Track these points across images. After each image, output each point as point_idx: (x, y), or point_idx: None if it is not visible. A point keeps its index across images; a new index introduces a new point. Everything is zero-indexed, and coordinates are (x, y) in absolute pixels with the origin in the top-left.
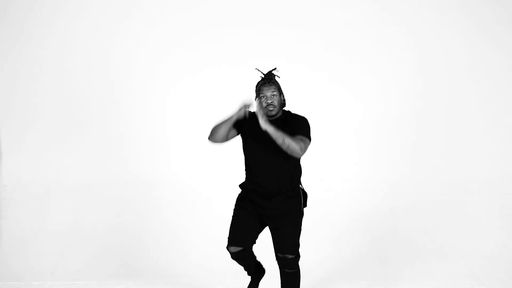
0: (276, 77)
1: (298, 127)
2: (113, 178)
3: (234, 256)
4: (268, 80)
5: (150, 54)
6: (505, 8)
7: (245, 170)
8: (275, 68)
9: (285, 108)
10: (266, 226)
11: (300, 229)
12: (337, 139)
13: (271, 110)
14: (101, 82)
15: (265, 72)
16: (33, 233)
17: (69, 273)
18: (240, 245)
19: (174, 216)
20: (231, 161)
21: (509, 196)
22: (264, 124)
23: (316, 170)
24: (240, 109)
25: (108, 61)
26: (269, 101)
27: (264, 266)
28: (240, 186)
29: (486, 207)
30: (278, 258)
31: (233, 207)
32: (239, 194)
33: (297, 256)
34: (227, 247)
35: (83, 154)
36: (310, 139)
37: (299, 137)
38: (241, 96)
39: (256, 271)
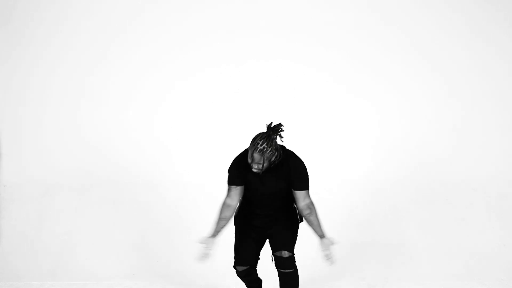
0: (277, 136)
1: (298, 177)
2: (113, 178)
3: (241, 274)
4: (260, 148)
5: (151, 55)
6: (497, 7)
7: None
8: (281, 126)
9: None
10: (266, 240)
11: (296, 233)
12: (337, 138)
13: (254, 172)
14: (102, 82)
15: (270, 125)
16: (33, 233)
17: (69, 273)
18: (246, 264)
19: (174, 216)
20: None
21: (509, 196)
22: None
23: (316, 169)
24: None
25: (110, 61)
26: (254, 167)
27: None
28: (236, 214)
29: (486, 207)
30: (274, 258)
31: (234, 229)
32: (237, 219)
33: (293, 255)
34: (234, 266)
35: (83, 154)
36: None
37: (309, 202)
38: (240, 96)
39: (256, 287)
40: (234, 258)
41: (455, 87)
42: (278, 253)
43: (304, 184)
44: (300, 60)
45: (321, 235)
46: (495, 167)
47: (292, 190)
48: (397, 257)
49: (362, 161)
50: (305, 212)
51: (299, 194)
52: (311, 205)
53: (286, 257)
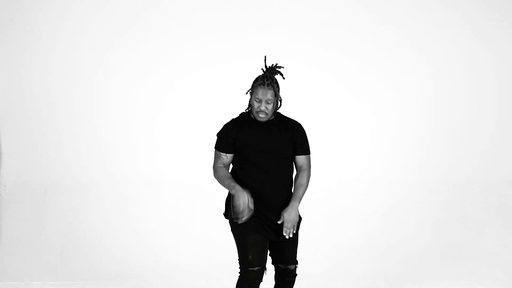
0: (277, 75)
1: (303, 142)
2: (113, 178)
3: (256, 275)
4: (267, 82)
5: (151, 55)
6: (497, 8)
7: (238, 179)
8: (281, 67)
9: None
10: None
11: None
12: (336, 138)
13: (261, 118)
14: (102, 82)
15: (268, 66)
16: (33, 233)
17: (69, 273)
18: (262, 263)
19: (174, 216)
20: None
21: (509, 196)
22: (295, 214)
23: (316, 169)
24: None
25: (110, 61)
26: (262, 108)
27: None
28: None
29: (486, 207)
30: (278, 269)
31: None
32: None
33: (297, 263)
34: (248, 268)
35: (83, 154)
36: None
37: (306, 172)
38: (240, 96)
39: None
40: (249, 257)
41: (455, 87)
42: (283, 266)
43: (307, 147)
44: (300, 60)
45: (294, 200)
46: (495, 167)
47: (294, 158)
48: (396, 256)
49: (361, 161)
50: (297, 172)
51: (302, 160)
52: (306, 169)
53: (293, 268)
